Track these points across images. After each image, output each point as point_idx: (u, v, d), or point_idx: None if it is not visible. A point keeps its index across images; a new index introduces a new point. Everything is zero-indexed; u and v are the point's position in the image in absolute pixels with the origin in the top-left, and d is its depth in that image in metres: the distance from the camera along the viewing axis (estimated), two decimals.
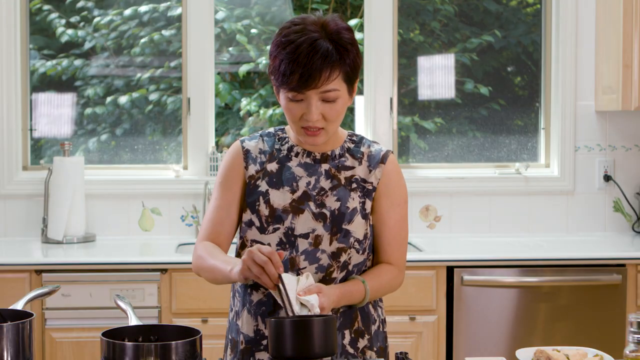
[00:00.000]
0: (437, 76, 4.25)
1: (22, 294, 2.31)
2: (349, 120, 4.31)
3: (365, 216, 2.11)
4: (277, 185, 2.09)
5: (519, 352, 2.05)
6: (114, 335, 1.75)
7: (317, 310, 1.90)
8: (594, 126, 4.13)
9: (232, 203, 2.12)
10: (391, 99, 4.11)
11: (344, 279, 2.10)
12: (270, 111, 4.28)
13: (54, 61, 4.16)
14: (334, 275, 2.09)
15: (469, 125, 4.26)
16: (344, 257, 2.09)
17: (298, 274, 2.04)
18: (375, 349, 2.16)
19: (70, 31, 4.17)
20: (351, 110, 4.32)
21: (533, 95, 4.27)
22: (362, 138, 2.18)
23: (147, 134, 4.17)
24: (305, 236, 2.06)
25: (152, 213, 4.02)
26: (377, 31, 4.09)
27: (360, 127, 4.19)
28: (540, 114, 4.24)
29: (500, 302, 3.48)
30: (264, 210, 2.07)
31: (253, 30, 4.28)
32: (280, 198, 2.08)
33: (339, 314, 2.11)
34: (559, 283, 3.50)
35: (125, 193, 4.01)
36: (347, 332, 2.12)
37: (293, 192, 2.08)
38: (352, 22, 4.29)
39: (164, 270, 3.41)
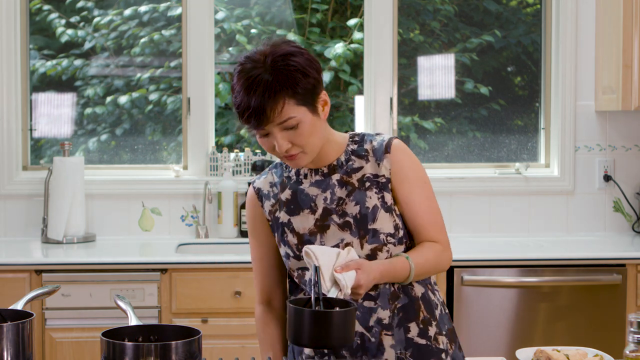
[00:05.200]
0: (437, 76, 4.25)
1: (22, 294, 2.31)
2: (349, 120, 4.31)
3: (388, 209, 2.09)
4: (296, 211, 2.10)
5: (519, 352, 2.05)
6: (114, 335, 1.75)
7: (348, 292, 1.88)
8: (594, 126, 4.13)
9: (269, 249, 2.19)
10: (391, 99, 4.11)
11: None
12: None
13: (54, 61, 4.16)
14: None
15: (469, 125, 4.26)
16: (382, 255, 2.07)
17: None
18: (444, 332, 2.15)
19: (70, 31, 4.17)
20: (351, 110, 4.32)
21: (533, 95, 4.27)
22: (363, 136, 2.16)
23: (147, 134, 4.17)
24: (336, 247, 2.05)
25: (152, 213, 4.02)
26: (377, 31, 4.09)
27: (361, 127, 4.19)
28: (540, 114, 4.24)
29: (500, 302, 3.48)
30: (292, 240, 2.09)
31: (253, 30, 4.28)
32: (304, 222, 2.09)
33: (395, 311, 2.09)
34: (559, 283, 3.50)
35: (125, 193, 4.01)
36: (412, 325, 2.10)
37: (313, 212, 2.09)
38: (352, 22, 4.29)
39: (164, 270, 3.41)
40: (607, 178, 4.12)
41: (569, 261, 3.51)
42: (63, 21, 4.17)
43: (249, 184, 2.23)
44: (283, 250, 2.12)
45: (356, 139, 2.15)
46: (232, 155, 4.07)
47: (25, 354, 1.80)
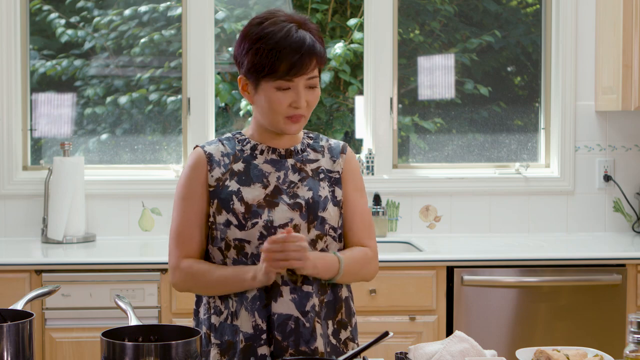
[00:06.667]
0: (437, 76, 4.25)
1: (22, 294, 2.31)
2: (348, 120, 4.31)
3: (336, 203, 2.16)
4: (247, 182, 2.11)
5: (519, 352, 2.05)
6: (114, 335, 1.75)
7: None
8: (594, 126, 4.13)
9: (202, 217, 2.13)
10: (391, 99, 4.11)
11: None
12: None
13: (54, 61, 4.16)
14: None
15: (469, 125, 4.26)
16: (320, 245, 2.12)
17: (292, 277, 2.07)
18: (356, 341, 2.20)
19: (70, 31, 4.17)
20: (351, 110, 4.32)
21: (533, 95, 4.27)
22: (318, 134, 2.25)
23: (147, 134, 4.17)
24: (284, 226, 2.08)
25: (152, 213, 4.02)
26: (377, 31, 4.09)
27: (361, 127, 4.19)
28: (540, 114, 4.24)
29: (500, 302, 3.48)
30: (240, 208, 2.08)
31: None
32: (253, 194, 2.10)
33: (323, 305, 2.13)
34: (559, 283, 3.50)
35: (125, 193, 4.01)
36: (330, 323, 2.14)
37: (265, 187, 2.11)
38: (352, 22, 4.29)
39: (164, 270, 3.41)
40: (607, 178, 4.12)
41: (569, 261, 3.51)
42: (63, 21, 4.17)
43: (195, 146, 2.20)
44: (223, 218, 2.08)
45: (311, 135, 2.24)
46: None
47: (25, 354, 1.80)
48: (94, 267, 3.40)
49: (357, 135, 4.22)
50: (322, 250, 2.13)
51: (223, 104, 4.31)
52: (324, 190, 2.14)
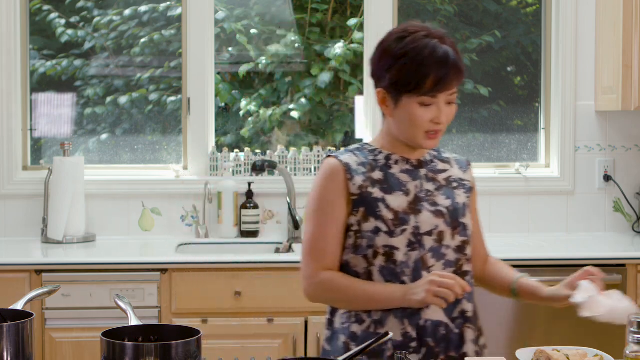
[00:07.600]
0: None
1: (22, 294, 2.31)
2: (349, 120, 4.31)
3: (470, 210, 2.21)
4: (389, 190, 2.11)
5: (519, 352, 2.05)
6: (114, 335, 1.75)
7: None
8: (594, 126, 4.13)
9: (341, 226, 2.12)
10: None
11: (468, 272, 2.18)
12: (269, 111, 4.28)
13: (54, 61, 4.16)
14: (465, 268, 2.16)
15: (469, 125, 4.26)
16: (468, 250, 2.17)
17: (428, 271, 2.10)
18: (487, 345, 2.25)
19: (70, 31, 4.17)
20: (351, 110, 4.32)
21: (533, 95, 4.27)
22: (438, 148, 2.26)
23: (147, 134, 4.17)
24: (429, 233, 2.10)
25: (152, 213, 4.02)
26: (377, 31, 4.09)
27: (361, 127, 4.19)
28: (540, 114, 4.24)
29: (500, 302, 3.47)
30: (388, 215, 2.08)
31: (253, 30, 4.28)
32: (397, 201, 2.10)
33: (475, 307, 2.19)
34: (559, 283, 3.49)
35: (125, 193, 4.01)
36: (471, 331, 2.15)
37: (406, 194, 2.12)
38: (352, 22, 4.29)
39: (164, 270, 3.41)
40: (607, 178, 4.12)
41: (569, 261, 3.51)
42: (63, 21, 4.17)
43: (327, 156, 2.18)
44: (371, 225, 2.08)
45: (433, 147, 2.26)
46: (232, 155, 4.07)
47: (25, 354, 1.80)
48: (94, 267, 3.40)
49: (357, 135, 4.22)
50: (468, 255, 2.17)
51: (223, 104, 4.31)
52: (461, 197, 2.17)
